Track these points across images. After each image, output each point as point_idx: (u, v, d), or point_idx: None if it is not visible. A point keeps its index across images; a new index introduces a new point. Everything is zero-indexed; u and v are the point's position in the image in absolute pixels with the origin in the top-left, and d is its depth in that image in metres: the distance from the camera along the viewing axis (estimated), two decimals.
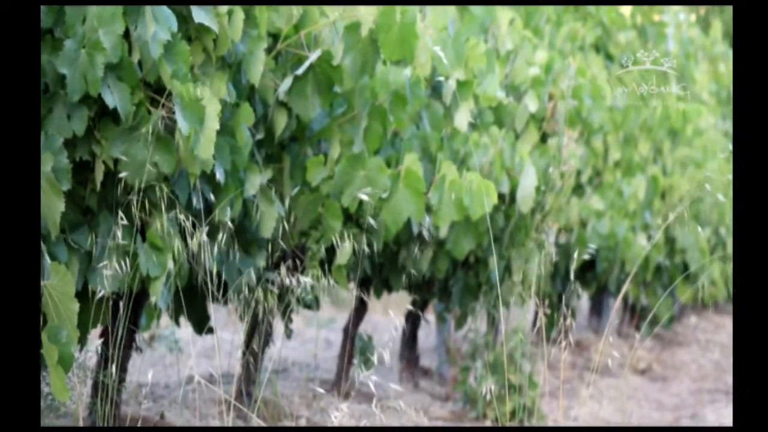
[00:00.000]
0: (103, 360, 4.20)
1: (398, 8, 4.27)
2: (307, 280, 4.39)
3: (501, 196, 5.60)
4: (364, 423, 5.04)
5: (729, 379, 8.01)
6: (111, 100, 3.52)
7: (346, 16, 4.34)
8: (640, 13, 10.27)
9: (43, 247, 3.46)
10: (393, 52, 4.31)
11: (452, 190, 4.87)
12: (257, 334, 5.01)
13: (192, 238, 3.88)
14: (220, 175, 3.90)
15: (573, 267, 4.42)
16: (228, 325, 7.34)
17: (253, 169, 4.24)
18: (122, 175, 3.63)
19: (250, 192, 4.24)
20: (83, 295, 3.69)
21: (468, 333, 6.45)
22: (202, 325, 4.85)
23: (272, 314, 4.62)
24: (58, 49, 3.46)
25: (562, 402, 4.66)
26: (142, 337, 4.76)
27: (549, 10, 7.86)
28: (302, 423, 5.23)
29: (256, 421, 4.48)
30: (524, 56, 6.36)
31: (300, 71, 4.31)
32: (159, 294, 3.81)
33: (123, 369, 4.39)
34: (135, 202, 3.70)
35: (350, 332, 6.03)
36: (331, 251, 4.71)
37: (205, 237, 3.91)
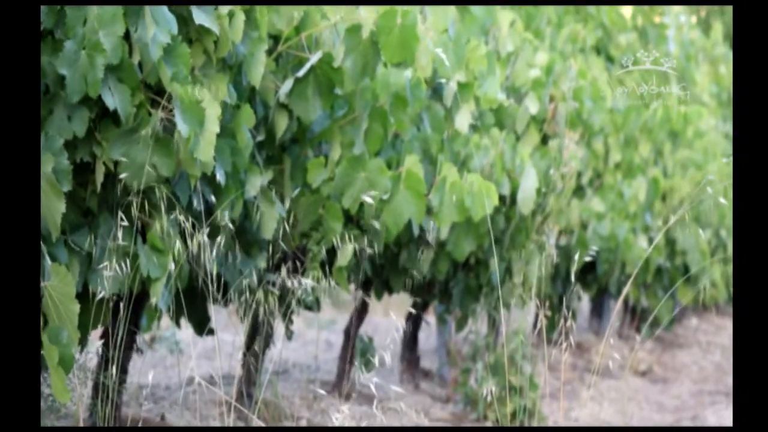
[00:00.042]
0: (104, 361, 4.20)
1: (399, 10, 4.27)
2: (307, 281, 4.39)
3: (502, 198, 5.60)
4: (364, 424, 5.05)
5: (730, 380, 8.01)
6: (111, 101, 3.52)
7: (347, 18, 4.34)
8: (641, 15, 10.28)
9: (44, 248, 3.46)
10: (394, 54, 4.31)
11: (453, 191, 4.87)
12: (258, 336, 5.01)
13: (192, 240, 3.88)
14: (220, 177, 3.90)
15: (574, 269, 4.42)
16: (229, 327, 7.34)
17: (253, 170, 4.25)
18: (122, 176, 3.63)
19: (250, 193, 4.24)
20: (84, 296, 3.69)
21: (469, 334, 6.46)
22: (202, 326, 4.85)
23: (273, 316, 4.62)
24: (58, 50, 3.47)
25: (562, 403, 4.66)
26: (142, 338, 4.76)
27: (550, 12, 7.86)
28: (303, 424, 5.23)
29: (257, 423, 4.48)
30: (525, 58, 6.36)
31: (301, 73, 4.31)
32: (159, 295, 3.82)
33: (123, 370, 4.40)
34: (135, 204, 3.71)
35: (351, 334, 6.03)
36: (331, 253, 4.72)
37: (205, 238, 3.91)
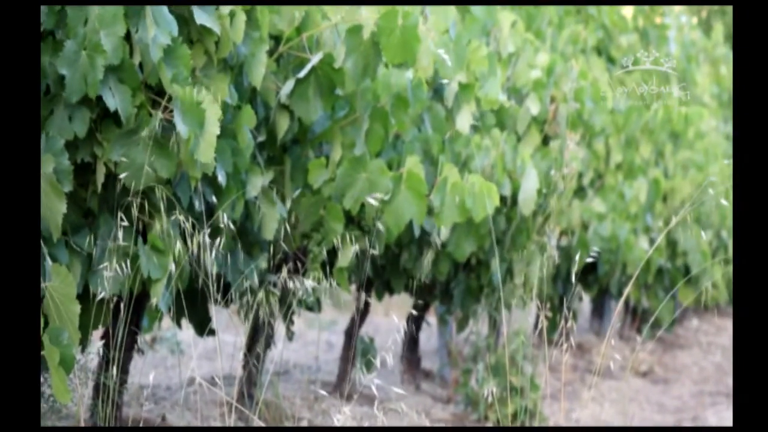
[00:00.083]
0: (105, 362, 4.20)
1: (400, 11, 4.27)
2: (308, 282, 4.39)
3: (503, 199, 5.60)
4: (365, 425, 5.05)
5: (730, 381, 8.01)
6: (112, 102, 3.52)
7: (348, 19, 4.34)
8: (641, 16, 10.28)
9: (45, 248, 3.46)
10: (395, 54, 4.32)
11: (454, 192, 4.87)
12: (259, 336, 5.01)
13: (193, 240, 3.88)
14: (221, 178, 3.90)
15: (575, 270, 4.42)
16: (229, 327, 7.35)
17: (254, 171, 4.25)
18: (121, 177, 3.63)
19: (251, 194, 4.24)
20: (84, 297, 3.69)
21: (469, 335, 6.46)
22: (203, 327, 4.86)
23: (274, 316, 4.62)
24: (59, 51, 3.47)
25: (563, 404, 4.66)
26: (143, 338, 4.76)
27: (551, 13, 7.87)
28: (304, 425, 5.23)
29: (258, 423, 4.48)
30: (526, 59, 6.36)
31: (302, 74, 4.31)
32: (160, 296, 3.82)
33: (124, 371, 4.40)
34: (136, 205, 3.71)
35: (352, 335, 6.03)
36: (332, 253, 4.72)
37: (206, 239, 3.91)
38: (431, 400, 6.48)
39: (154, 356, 7.30)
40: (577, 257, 4.51)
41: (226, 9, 3.83)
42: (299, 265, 4.75)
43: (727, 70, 14.04)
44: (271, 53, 4.29)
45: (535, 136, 6.41)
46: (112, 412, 4.13)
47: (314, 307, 5.15)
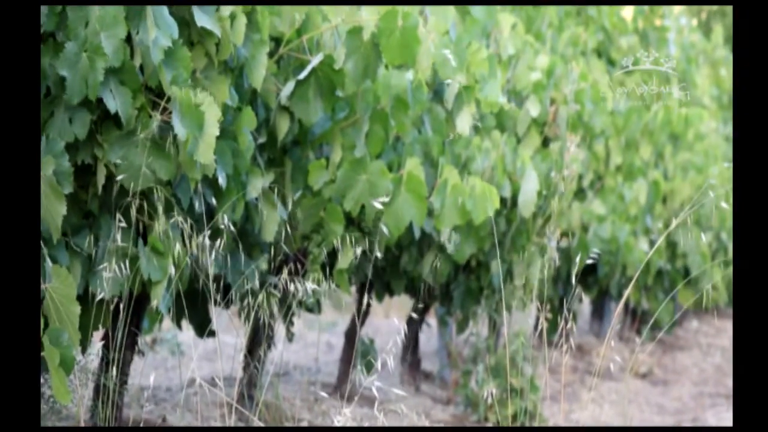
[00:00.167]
0: (105, 363, 4.21)
1: (400, 13, 4.28)
2: (309, 284, 4.39)
3: (503, 201, 5.60)
4: (366, 426, 5.05)
5: (730, 383, 8.01)
6: (113, 104, 3.53)
7: (348, 20, 4.35)
8: (641, 18, 10.29)
9: (45, 250, 3.47)
10: (395, 56, 4.32)
11: (454, 194, 4.88)
12: (259, 338, 5.01)
13: (194, 242, 3.89)
14: (222, 179, 3.90)
15: (575, 271, 4.43)
16: (230, 329, 7.35)
17: (255, 172, 4.25)
18: (119, 178, 3.63)
19: (252, 195, 4.25)
20: (85, 298, 3.70)
21: (469, 337, 6.46)
22: (203, 328, 4.86)
23: (274, 318, 4.63)
24: (59, 53, 3.47)
25: (563, 405, 4.67)
26: (143, 340, 4.76)
27: (551, 15, 7.87)
28: (304, 426, 5.23)
29: (258, 424, 4.49)
30: (526, 61, 6.37)
31: (302, 75, 4.32)
32: (160, 298, 3.82)
33: (125, 372, 4.40)
34: (136, 206, 3.71)
35: (352, 336, 6.03)
36: (333, 255, 4.72)
37: (207, 240, 3.92)
38: (431, 401, 6.48)
39: (155, 357, 7.30)
40: (578, 259, 4.52)
41: (226, 11, 3.83)
42: (299, 266, 4.75)
43: (726, 72, 14.05)
44: (271, 55, 4.30)
45: (535, 137, 6.41)
46: (112, 413, 4.14)
47: (314, 308, 5.15)
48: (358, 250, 4.60)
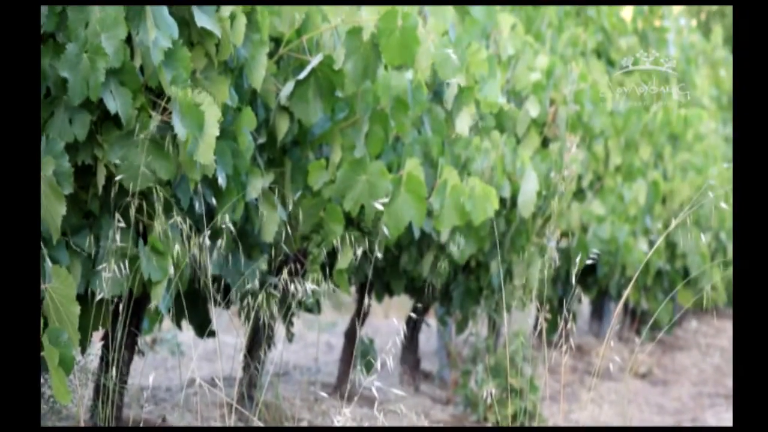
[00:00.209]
0: (105, 363, 4.21)
1: (399, 13, 4.28)
2: (308, 284, 4.40)
3: (502, 201, 5.61)
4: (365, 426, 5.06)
5: (729, 383, 8.02)
6: (113, 105, 3.53)
7: (348, 20, 4.35)
8: (641, 19, 10.30)
9: (45, 250, 3.47)
10: (394, 56, 4.33)
11: (454, 195, 4.88)
12: (259, 338, 5.02)
13: (194, 242, 3.89)
14: (222, 179, 3.91)
15: (574, 271, 4.43)
16: (230, 329, 7.35)
17: (255, 173, 4.26)
18: (118, 178, 3.64)
19: (251, 196, 4.25)
20: (86, 298, 3.70)
21: (469, 337, 6.47)
22: (203, 328, 4.86)
23: (274, 318, 4.63)
24: (60, 53, 3.47)
25: (563, 406, 4.67)
26: (143, 340, 4.77)
27: (551, 15, 7.88)
28: (303, 426, 5.24)
29: (258, 425, 4.49)
30: (526, 61, 6.37)
31: (302, 76, 4.32)
32: (160, 298, 3.82)
33: (125, 372, 4.40)
34: (136, 206, 3.71)
35: (352, 336, 6.04)
36: (332, 255, 4.73)
37: (207, 241, 3.92)
38: (431, 401, 6.49)
39: (155, 357, 7.31)
40: (578, 259, 4.52)
41: (226, 11, 3.84)
42: (299, 266, 4.75)
43: (726, 73, 14.06)
44: (271, 55, 4.30)
45: (534, 138, 6.42)
46: (112, 413, 4.14)
47: (314, 308, 5.16)
48: (358, 251, 4.61)
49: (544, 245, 6.18)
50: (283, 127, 4.39)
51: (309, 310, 5.11)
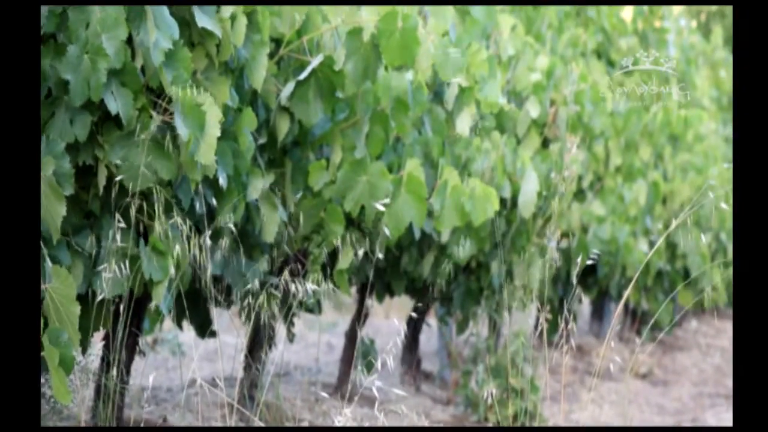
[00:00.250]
0: (106, 363, 4.22)
1: (399, 14, 4.29)
2: (309, 285, 4.40)
3: (503, 201, 5.62)
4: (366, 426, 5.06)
5: (729, 383, 8.02)
6: (114, 105, 3.54)
7: (348, 21, 4.36)
8: (641, 19, 10.30)
9: (46, 250, 3.47)
10: (394, 57, 4.33)
11: (454, 195, 4.89)
12: (260, 338, 5.02)
13: (195, 242, 3.89)
14: (222, 180, 3.91)
15: (575, 272, 4.43)
16: (230, 329, 7.36)
17: (255, 173, 4.26)
18: (118, 178, 3.64)
19: (252, 196, 4.26)
20: (88, 298, 3.71)
21: (469, 337, 6.47)
22: (204, 328, 4.87)
23: (274, 318, 4.63)
24: (61, 54, 3.48)
25: (563, 406, 4.68)
26: (144, 340, 4.77)
27: (551, 16, 7.88)
28: (304, 426, 5.24)
29: (259, 425, 4.49)
30: (526, 62, 6.38)
31: (302, 76, 4.32)
32: (161, 298, 3.83)
33: (126, 372, 4.41)
34: (137, 207, 3.72)
35: (352, 336, 6.04)
36: (333, 255, 4.73)
37: (208, 241, 3.93)
38: (431, 401, 6.49)
39: (156, 358, 7.31)
40: (579, 260, 4.53)
41: (227, 12, 3.84)
42: (300, 267, 4.76)
43: (726, 74, 14.06)
44: (271, 56, 4.31)
45: (534, 138, 6.43)
46: (113, 413, 4.14)
47: (315, 309, 5.16)
48: (359, 251, 4.61)
49: (545, 246, 6.18)
50: (283, 127, 4.40)
51: (310, 310, 5.12)
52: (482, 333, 6.41)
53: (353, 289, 6.01)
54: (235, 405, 4.39)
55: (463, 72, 4.75)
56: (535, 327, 4.66)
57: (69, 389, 3.39)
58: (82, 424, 4.14)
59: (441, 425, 5.87)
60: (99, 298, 3.69)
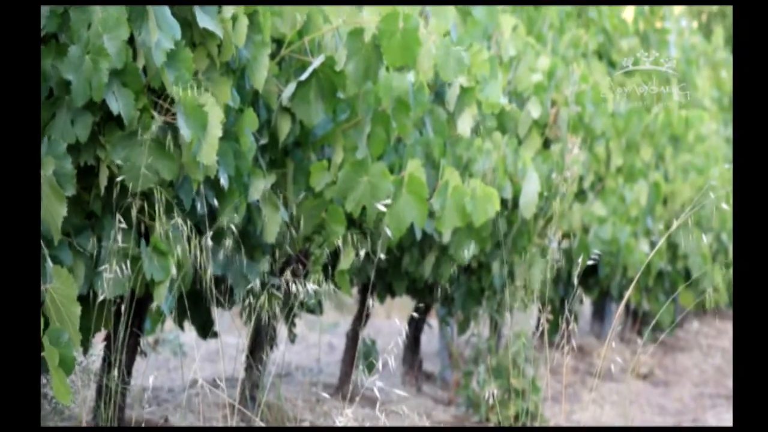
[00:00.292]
0: (107, 364, 4.22)
1: (401, 14, 4.29)
2: (310, 285, 4.41)
3: (504, 202, 5.62)
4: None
5: (730, 384, 8.02)
6: (115, 106, 3.54)
7: (350, 22, 4.36)
8: (642, 20, 10.30)
9: (47, 250, 3.48)
10: (396, 58, 4.33)
11: (455, 196, 4.89)
12: (261, 339, 5.02)
13: (196, 243, 3.90)
14: (224, 180, 3.92)
15: (576, 272, 4.44)
16: (232, 330, 7.36)
17: (257, 174, 4.26)
18: (119, 179, 3.64)
19: (254, 197, 4.26)
20: (89, 299, 3.71)
21: (471, 337, 6.47)
22: (206, 329, 4.87)
23: (276, 318, 4.64)
24: (62, 55, 3.48)
25: (564, 406, 4.68)
26: (146, 340, 4.77)
27: (552, 17, 7.88)
28: (306, 426, 5.24)
29: (260, 425, 4.50)
30: (527, 62, 6.38)
31: (303, 77, 4.33)
32: (163, 298, 3.83)
33: (127, 373, 4.41)
34: (138, 207, 3.72)
35: (354, 337, 6.04)
36: (334, 256, 4.74)
37: (209, 241, 3.93)
38: (432, 402, 6.49)
39: (157, 358, 7.31)
40: (580, 260, 4.53)
41: (228, 12, 3.84)
42: (301, 267, 4.76)
43: (727, 74, 14.05)
44: (273, 56, 4.31)
45: (536, 139, 6.43)
46: (114, 413, 4.15)
47: (316, 309, 5.16)
48: (360, 252, 4.62)
49: (546, 246, 6.19)
50: (284, 128, 4.40)
51: (311, 310, 5.12)
52: (483, 333, 6.42)
53: (354, 290, 6.01)
54: (237, 405, 4.39)
55: (464, 72, 4.75)
56: (537, 327, 4.67)
57: (70, 389, 3.39)
58: (84, 425, 4.14)
59: (442, 426, 5.87)
60: (100, 298, 3.70)
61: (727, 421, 6.60)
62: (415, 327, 6.77)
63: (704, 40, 14.23)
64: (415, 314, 6.03)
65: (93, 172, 3.69)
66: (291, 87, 4.34)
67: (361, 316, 5.98)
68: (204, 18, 3.75)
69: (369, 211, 4.61)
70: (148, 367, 5.78)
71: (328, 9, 4.40)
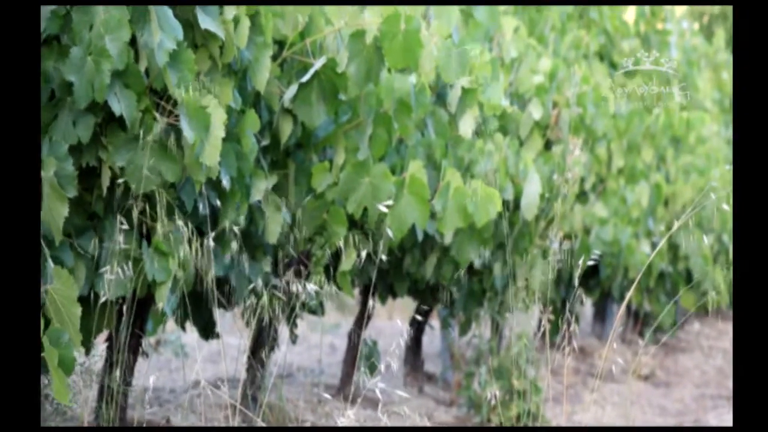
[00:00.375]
0: (109, 364, 4.22)
1: (402, 16, 4.29)
2: (312, 286, 4.41)
3: (505, 203, 5.62)
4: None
5: (731, 385, 8.02)
6: (117, 107, 3.55)
7: (351, 23, 4.37)
8: (643, 21, 10.30)
9: (48, 251, 3.48)
10: (397, 59, 4.34)
11: (457, 197, 4.89)
12: (262, 340, 5.03)
13: (197, 244, 3.90)
14: (226, 182, 3.92)
15: (577, 273, 4.44)
16: (233, 330, 7.36)
17: (258, 175, 4.27)
18: (120, 180, 3.65)
19: (255, 198, 4.27)
20: (90, 300, 3.72)
21: (472, 339, 6.48)
22: (207, 330, 4.88)
23: (277, 319, 4.64)
24: (64, 56, 3.49)
25: (565, 407, 4.68)
26: (147, 341, 4.77)
27: (554, 18, 7.89)
28: (307, 427, 5.25)
29: (261, 426, 4.50)
30: (529, 64, 6.39)
31: (305, 78, 4.33)
32: (165, 299, 3.84)
33: (129, 373, 4.42)
34: (141, 208, 3.73)
35: (355, 338, 6.05)
36: (336, 257, 4.74)
37: (211, 243, 3.93)
38: (434, 403, 6.50)
39: (159, 359, 7.32)
40: (581, 261, 4.53)
41: (230, 14, 3.85)
42: (303, 268, 4.77)
43: (728, 76, 14.05)
44: (274, 58, 4.31)
45: (537, 140, 6.43)
46: (116, 414, 4.15)
47: (317, 310, 5.17)
48: (362, 253, 4.62)
49: (547, 247, 6.19)
50: (286, 129, 4.40)
51: (312, 311, 5.13)
52: (485, 334, 6.42)
53: (356, 291, 6.02)
54: (238, 406, 4.40)
55: (466, 74, 4.76)
56: (538, 328, 4.67)
57: (70, 390, 3.39)
58: (86, 425, 4.15)
59: (444, 427, 5.88)
60: (102, 299, 3.70)
61: (728, 422, 6.60)
62: (417, 328, 6.78)
63: (705, 42, 14.23)
64: (417, 315, 6.04)
65: (95, 173, 3.69)
66: (293, 88, 4.34)
67: (363, 317, 5.98)
68: (206, 19, 3.76)
69: (370, 212, 4.61)
70: (150, 368, 5.78)
71: (330, 10, 4.40)
